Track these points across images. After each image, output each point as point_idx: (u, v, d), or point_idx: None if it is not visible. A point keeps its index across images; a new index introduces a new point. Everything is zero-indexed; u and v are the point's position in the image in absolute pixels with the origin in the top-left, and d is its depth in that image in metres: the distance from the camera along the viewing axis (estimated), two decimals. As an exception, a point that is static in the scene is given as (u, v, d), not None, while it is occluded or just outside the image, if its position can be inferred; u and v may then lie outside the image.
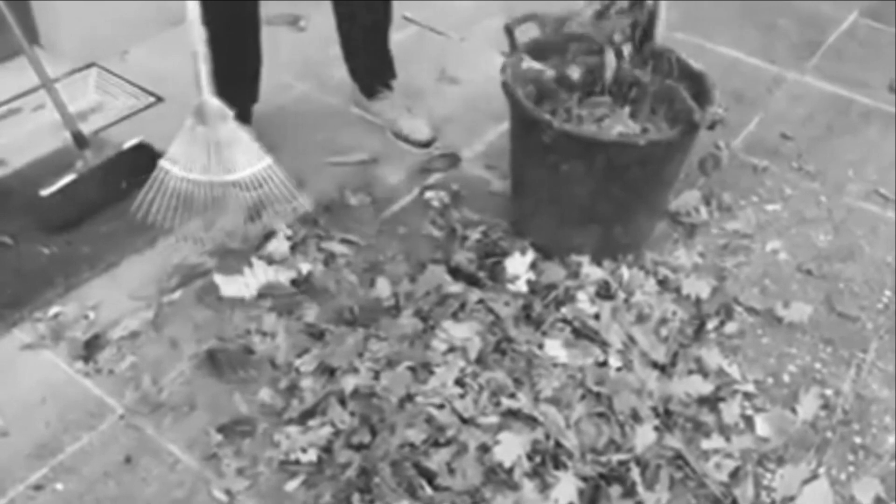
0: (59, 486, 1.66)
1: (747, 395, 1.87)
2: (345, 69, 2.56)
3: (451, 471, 1.62)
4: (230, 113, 2.03)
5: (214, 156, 2.04)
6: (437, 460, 1.63)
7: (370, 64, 2.53)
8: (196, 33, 1.96)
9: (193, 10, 1.93)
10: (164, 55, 2.80)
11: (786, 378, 1.94)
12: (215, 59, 2.19)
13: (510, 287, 2.00)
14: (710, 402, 1.83)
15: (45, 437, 1.74)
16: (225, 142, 2.04)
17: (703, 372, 1.88)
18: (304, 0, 2.92)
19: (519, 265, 2.03)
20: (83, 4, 2.69)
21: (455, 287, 1.97)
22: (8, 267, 2.08)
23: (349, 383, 1.76)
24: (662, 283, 2.09)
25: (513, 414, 1.72)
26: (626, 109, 2.17)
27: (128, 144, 2.28)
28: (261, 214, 2.14)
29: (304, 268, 2.06)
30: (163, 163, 2.06)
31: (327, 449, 1.69)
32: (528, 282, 2.01)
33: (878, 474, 1.75)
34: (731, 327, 2.02)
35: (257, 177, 2.06)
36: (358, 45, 2.47)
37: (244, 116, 2.39)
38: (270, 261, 2.08)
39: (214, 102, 2.00)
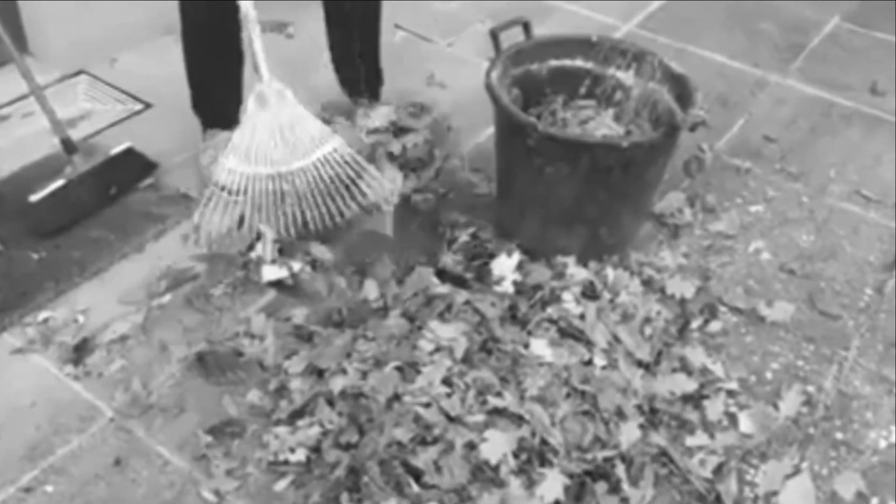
0: (50, 489, 1.67)
1: (731, 393, 1.89)
2: (333, 75, 2.58)
3: (439, 469, 1.64)
4: (289, 92, 1.99)
5: (281, 142, 1.98)
6: (424, 458, 1.65)
7: (360, 72, 2.54)
8: (251, 16, 1.94)
9: None
10: (153, 62, 2.81)
11: (769, 375, 1.96)
12: (197, 63, 2.21)
13: (496, 288, 2.02)
14: (694, 399, 1.86)
15: (36, 440, 1.75)
16: (288, 124, 1.99)
17: (688, 370, 1.90)
18: (294, 2, 2.93)
19: (505, 266, 2.05)
20: (72, 13, 2.71)
21: (442, 288, 1.99)
22: (-2, 272, 2.09)
23: (337, 384, 1.78)
24: (647, 283, 2.11)
25: (499, 412, 1.73)
26: (610, 112, 2.21)
27: (116, 150, 2.30)
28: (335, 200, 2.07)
29: (295, 267, 2.08)
30: (224, 161, 1.99)
31: (316, 449, 1.71)
32: (515, 283, 2.03)
33: (860, 469, 1.78)
34: (714, 326, 2.05)
35: (328, 158, 2.02)
36: (348, 53, 2.49)
37: (232, 120, 2.41)
38: (259, 263, 2.10)
39: (274, 84, 1.97)
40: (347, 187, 2.09)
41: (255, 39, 1.96)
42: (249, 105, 1.99)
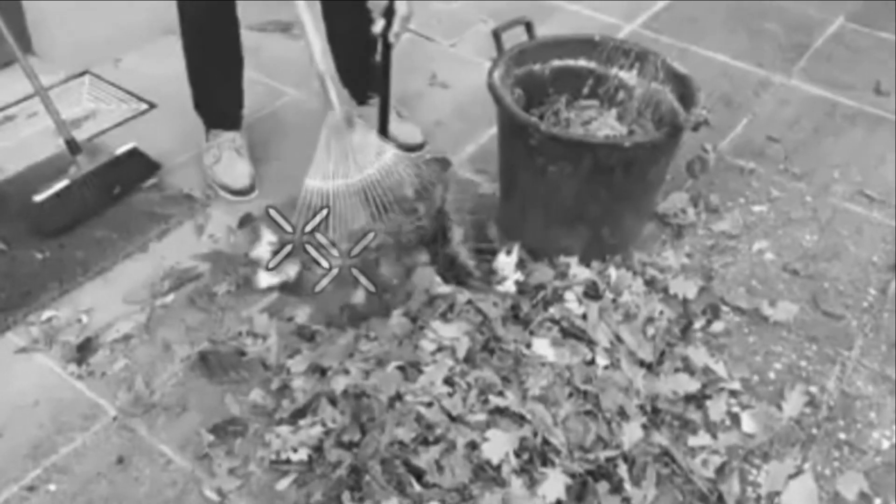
0: (52, 487, 1.68)
1: (733, 393, 1.89)
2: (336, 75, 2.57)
3: (440, 468, 1.64)
4: (357, 118, 2.11)
5: (352, 161, 2.10)
6: (426, 458, 1.65)
7: (362, 72, 2.54)
8: (317, 51, 2.03)
9: (311, 32, 2.02)
10: (157, 62, 2.82)
11: (772, 376, 1.96)
12: (197, 62, 2.21)
13: (499, 288, 2.02)
14: (697, 399, 1.85)
15: (39, 439, 1.76)
16: (359, 146, 2.10)
17: (690, 370, 1.90)
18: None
19: (508, 266, 2.06)
20: (76, 13, 2.72)
21: (444, 288, 1.99)
22: (2, 271, 2.10)
23: (339, 383, 1.78)
24: (650, 283, 2.11)
25: (501, 412, 1.73)
26: (613, 112, 2.21)
27: (121, 150, 2.30)
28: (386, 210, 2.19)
29: (291, 273, 2.09)
30: (308, 182, 2.09)
31: (318, 448, 1.71)
32: (517, 282, 2.03)
33: (863, 469, 1.77)
34: (717, 326, 2.04)
35: (384, 169, 2.13)
36: (350, 53, 2.49)
37: (234, 122, 2.41)
38: (259, 264, 2.10)
39: (344, 113, 2.08)
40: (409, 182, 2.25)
41: (324, 74, 2.05)
42: (323, 132, 2.08)
